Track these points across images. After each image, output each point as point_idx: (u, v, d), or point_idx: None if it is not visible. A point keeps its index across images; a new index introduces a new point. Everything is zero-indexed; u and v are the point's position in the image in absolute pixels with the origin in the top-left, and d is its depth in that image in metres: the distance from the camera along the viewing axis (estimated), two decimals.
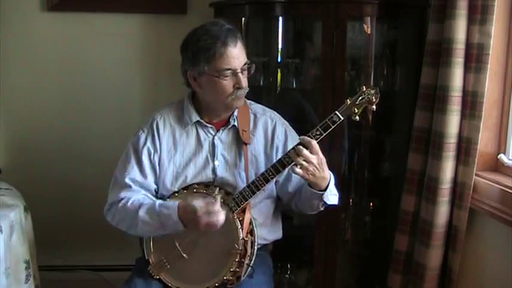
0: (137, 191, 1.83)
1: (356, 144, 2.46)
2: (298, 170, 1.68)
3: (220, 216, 1.68)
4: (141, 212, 1.76)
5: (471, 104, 1.90)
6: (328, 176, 1.75)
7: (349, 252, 2.54)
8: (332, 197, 1.81)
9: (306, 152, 1.67)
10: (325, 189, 1.76)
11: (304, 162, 1.67)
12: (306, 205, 1.85)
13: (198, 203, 1.70)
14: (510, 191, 1.82)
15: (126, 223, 1.81)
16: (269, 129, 1.91)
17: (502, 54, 1.97)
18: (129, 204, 1.79)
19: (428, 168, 2.02)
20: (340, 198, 1.87)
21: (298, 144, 1.69)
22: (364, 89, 1.72)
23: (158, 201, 1.78)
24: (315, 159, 1.68)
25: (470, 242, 1.97)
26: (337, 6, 2.16)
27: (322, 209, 1.84)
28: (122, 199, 1.82)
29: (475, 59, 1.88)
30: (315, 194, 1.76)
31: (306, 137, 1.69)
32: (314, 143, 1.68)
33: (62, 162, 2.76)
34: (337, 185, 1.83)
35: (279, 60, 2.51)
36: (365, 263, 2.59)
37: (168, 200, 1.82)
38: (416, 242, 2.10)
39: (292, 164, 1.71)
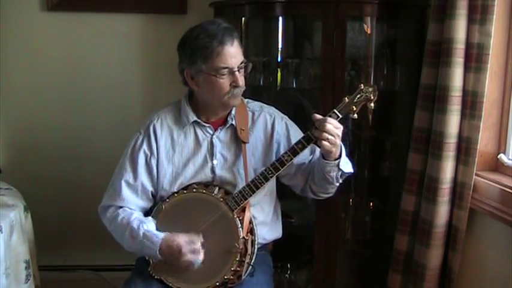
0: (129, 201, 1.84)
1: (356, 144, 2.46)
2: (325, 143, 1.67)
3: (201, 255, 1.72)
4: (127, 234, 1.79)
5: (471, 104, 1.89)
6: (340, 143, 1.75)
7: (349, 252, 2.54)
8: (347, 165, 1.80)
9: (330, 126, 1.67)
10: (339, 157, 1.75)
11: (330, 136, 1.67)
12: (323, 182, 1.82)
13: (183, 238, 1.72)
14: (510, 191, 1.82)
15: (115, 236, 1.86)
16: (268, 126, 1.91)
17: (502, 54, 1.96)
18: (118, 220, 1.82)
19: (428, 168, 2.02)
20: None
21: (329, 115, 1.69)
22: (362, 86, 1.72)
23: (143, 230, 1.76)
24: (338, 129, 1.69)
25: (470, 242, 1.97)
26: (337, 6, 2.16)
27: (341, 181, 1.82)
28: (114, 207, 1.85)
29: (475, 58, 1.88)
30: (331, 164, 1.74)
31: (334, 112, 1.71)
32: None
33: (62, 162, 2.76)
34: (347, 155, 1.82)
35: (278, 60, 2.51)
36: (365, 263, 2.59)
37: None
38: (416, 241, 2.10)
39: (291, 161, 1.73)
